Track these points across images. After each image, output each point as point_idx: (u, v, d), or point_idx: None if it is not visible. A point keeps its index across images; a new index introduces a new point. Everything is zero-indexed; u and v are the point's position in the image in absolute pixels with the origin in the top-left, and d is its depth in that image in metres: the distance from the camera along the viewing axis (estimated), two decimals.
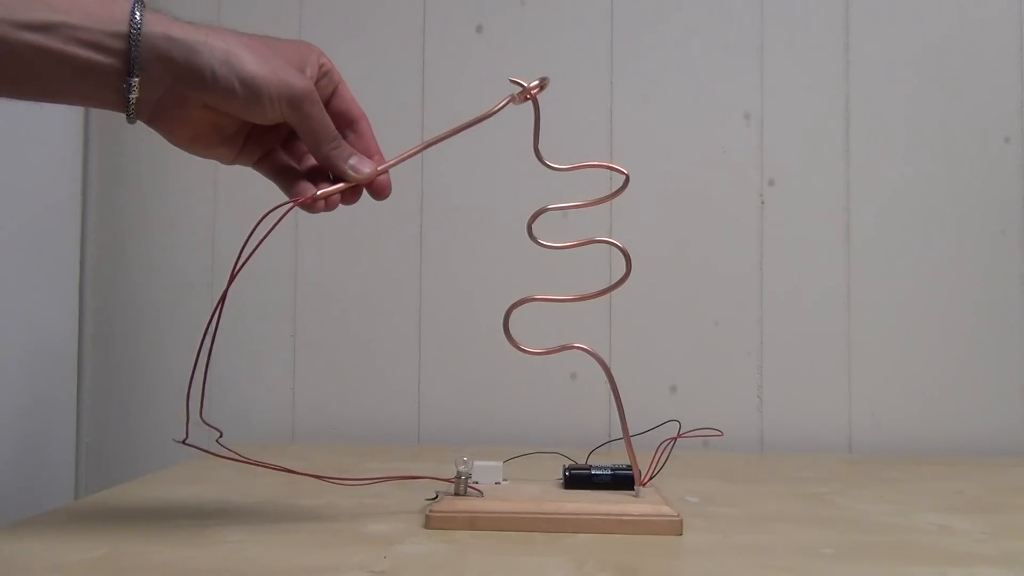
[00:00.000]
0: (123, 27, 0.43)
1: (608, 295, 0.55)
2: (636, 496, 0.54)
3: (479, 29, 0.98)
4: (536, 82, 0.51)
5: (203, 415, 0.48)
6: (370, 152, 0.51)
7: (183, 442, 0.48)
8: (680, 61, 0.97)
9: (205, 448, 0.49)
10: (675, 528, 0.50)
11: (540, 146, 0.53)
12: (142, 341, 0.98)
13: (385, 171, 0.51)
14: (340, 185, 0.50)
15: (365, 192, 0.51)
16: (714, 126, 0.96)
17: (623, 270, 0.52)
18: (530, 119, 0.52)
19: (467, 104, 0.97)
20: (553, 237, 0.54)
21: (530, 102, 0.52)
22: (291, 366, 0.97)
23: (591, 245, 0.56)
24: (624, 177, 0.53)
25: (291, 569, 0.42)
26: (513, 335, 0.53)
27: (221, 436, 0.49)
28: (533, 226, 0.54)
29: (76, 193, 0.96)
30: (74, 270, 0.95)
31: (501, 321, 0.53)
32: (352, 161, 0.50)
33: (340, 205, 0.51)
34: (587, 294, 0.55)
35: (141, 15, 0.44)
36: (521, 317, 0.53)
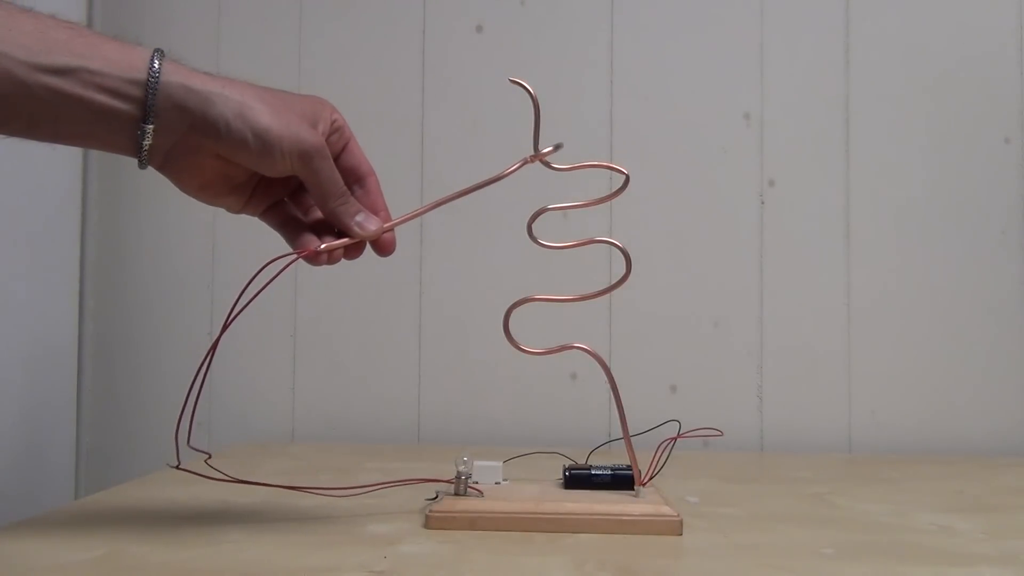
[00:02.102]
0: (141, 75, 0.44)
1: (608, 295, 0.55)
2: (636, 496, 0.54)
3: (479, 29, 0.98)
4: (551, 147, 0.52)
5: (191, 442, 0.48)
6: (377, 209, 0.52)
7: (176, 467, 0.49)
8: (680, 61, 0.97)
9: (199, 472, 0.50)
10: (675, 528, 0.50)
11: (540, 146, 0.53)
12: (142, 342, 0.98)
13: (391, 229, 0.52)
14: (344, 240, 0.50)
15: (368, 247, 0.52)
16: (714, 126, 0.96)
17: (623, 270, 0.52)
18: (530, 119, 0.52)
19: (467, 104, 0.98)
20: (553, 237, 0.54)
21: (531, 103, 0.52)
22: (291, 366, 0.97)
23: (591, 245, 0.56)
24: (624, 177, 0.53)
25: (291, 569, 0.42)
26: (513, 335, 0.53)
27: (209, 458, 0.50)
28: (533, 226, 0.54)
29: (76, 193, 0.96)
30: (74, 270, 0.95)
31: (501, 321, 0.53)
32: (359, 218, 0.50)
33: (343, 259, 0.51)
34: (587, 294, 0.55)
35: (160, 64, 0.44)
36: (521, 317, 0.53)
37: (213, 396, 0.96)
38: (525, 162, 0.52)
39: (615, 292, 0.54)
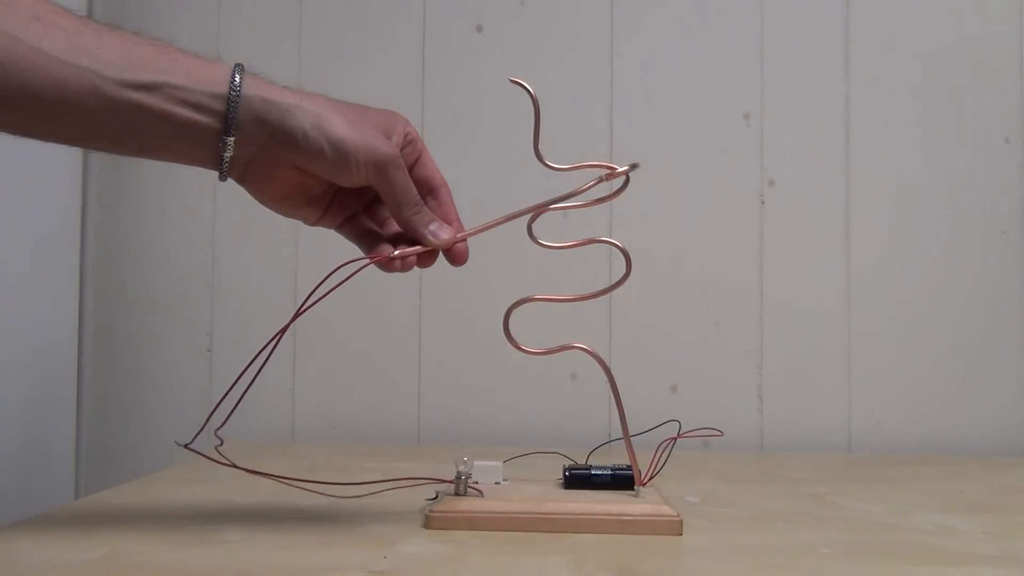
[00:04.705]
0: (223, 89, 0.45)
1: (608, 295, 0.55)
2: (636, 496, 0.54)
3: (479, 29, 0.98)
4: (627, 166, 0.52)
5: (218, 431, 0.49)
6: (449, 219, 0.53)
7: (186, 446, 0.49)
8: (680, 61, 0.97)
9: (206, 454, 0.50)
10: (675, 528, 0.50)
11: (540, 146, 0.53)
12: (142, 342, 0.98)
13: (464, 238, 0.52)
14: (418, 247, 0.51)
15: (441, 258, 0.52)
16: (714, 126, 0.96)
17: (623, 270, 0.52)
18: (531, 119, 0.52)
19: (467, 104, 0.98)
20: (553, 237, 0.54)
21: (531, 103, 0.52)
22: (291, 366, 0.97)
23: (591, 245, 0.56)
24: (624, 177, 0.53)
25: (291, 569, 0.42)
26: (513, 335, 0.53)
27: (221, 444, 0.50)
28: (533, 226, 0.54)
29: (76, 193, 0.96)
30: (74, 270, 0.95)
31: (501, 321, 0.53)
32: (432, 227, 0.51)
33: (416, 267, 0.52)
34: (587, 294, 0.55)
35: (241, 78, 0.45)
36: (521, 317, 0.53)
37: (213, 396, 0.96)
38: (600, 180, 0.52)
39: (615, 292, 0.54)
